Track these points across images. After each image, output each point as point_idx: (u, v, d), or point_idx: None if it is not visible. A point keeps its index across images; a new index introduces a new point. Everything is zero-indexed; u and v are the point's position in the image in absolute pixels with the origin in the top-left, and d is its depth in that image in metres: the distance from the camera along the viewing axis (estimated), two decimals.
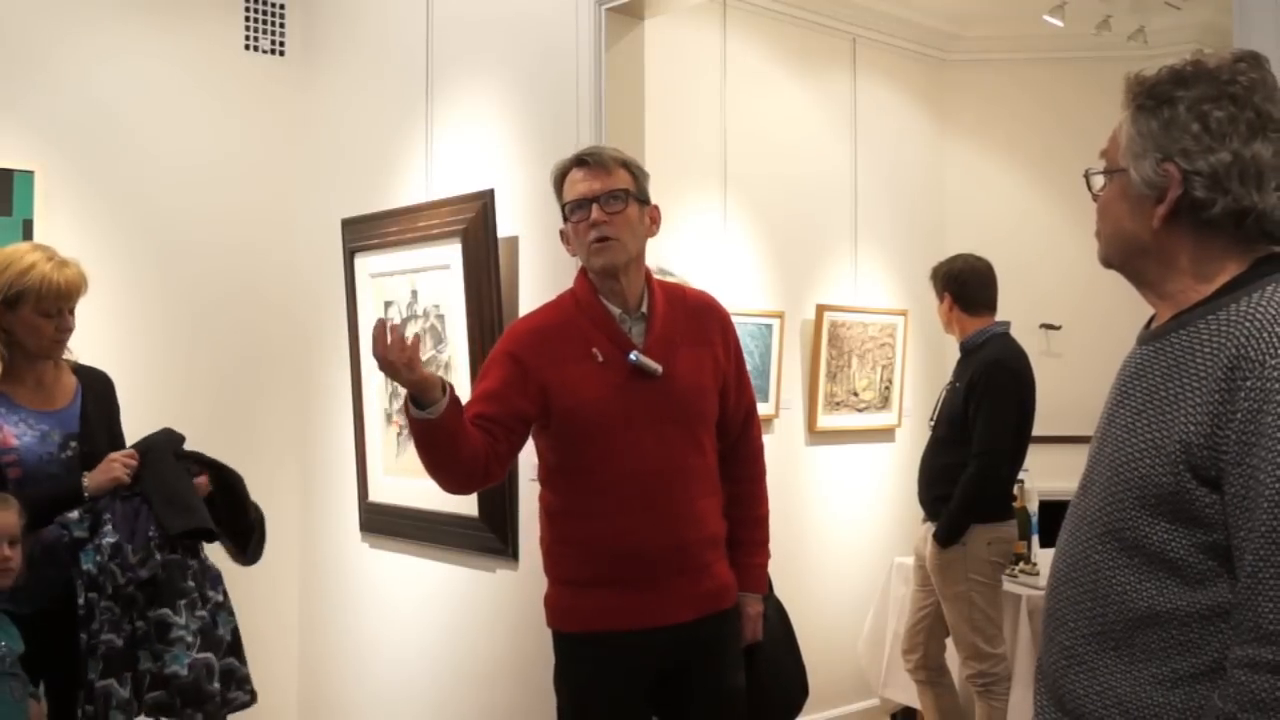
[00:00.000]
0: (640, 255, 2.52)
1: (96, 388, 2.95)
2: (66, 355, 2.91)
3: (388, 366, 2.23)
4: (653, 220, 2.54)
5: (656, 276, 2.62)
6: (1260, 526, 1.26)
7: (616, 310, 2.50)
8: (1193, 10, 5.02)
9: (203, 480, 2.83)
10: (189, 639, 2.68)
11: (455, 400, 2.31)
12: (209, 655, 2.70)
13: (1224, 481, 1.30)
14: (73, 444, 2.82)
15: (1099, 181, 1.51)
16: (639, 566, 2.44)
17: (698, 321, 2.57)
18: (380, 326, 2.21)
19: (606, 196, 2.44)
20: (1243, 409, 1.28)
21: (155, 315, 4.03)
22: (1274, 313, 1.32)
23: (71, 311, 2.82)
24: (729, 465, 2.63)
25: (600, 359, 2.46)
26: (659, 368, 2.46)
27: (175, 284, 4.07)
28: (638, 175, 2.52)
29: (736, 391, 2.62)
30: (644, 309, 2.52)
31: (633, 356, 2.45)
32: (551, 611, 2.57)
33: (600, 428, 2.45)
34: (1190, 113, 1.39)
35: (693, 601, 2.48)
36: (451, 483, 2.47)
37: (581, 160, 2.50)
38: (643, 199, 2.51)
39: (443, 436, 2.31)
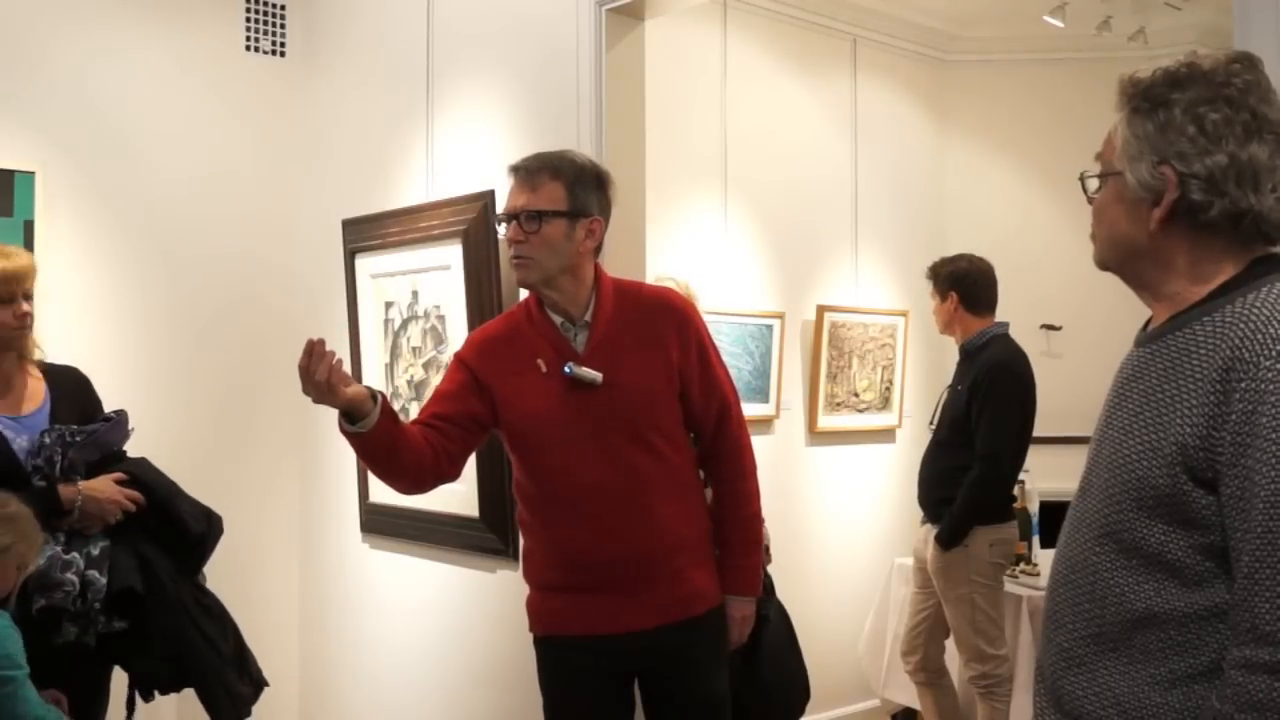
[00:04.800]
0: (570, 269, 2.44)
1: (66, 387, 2.88)
2: (36, 355, 2.86)
3: (314, 388, 2.20)
4: (588, 234, 2.44)
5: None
6: (1256, 528, 1.26)
7: (559, 319, 2.47)
8: (1193, 11, 5.03)
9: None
10: (59, 535, 2.70)
11: (388, 411, 2.30)
12: (68, 552, 2.69)
13: (1220, 483, 1.30)
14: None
15: (1094, 184, 1.50)
16: (597, 574, 2.42)
17: (650, 321, 2.49)
18: (315, 345, 2.19)
19: (525, 216, 2.40)
20: (1238, 410, 1.28)
21: (155, 314, 4.02)
22: (1268, 313, 1.32)
23: (28, 298, 2.76)
24: (709, 465, 2.59)
25: (544, 369, 2.44)
26: (598, 376, 2.40)
27: (175, 284, 4.07)
28: (575, 188, 2.42)
29: (703, 389, 2.51)
30: (588, 316, 2.47)
31: (567, 369, 2.41)
32: (528, 614, 2.58)
33: (544, 439, 2.43)
34: (1186, 115, 1.38)
35: (658, 608, 2.44)
36: (400, 486, 2.46)
37: (514, 170, 2.47)
38: (576, 213, 2.41)
39: (380, 447, 2.31)
